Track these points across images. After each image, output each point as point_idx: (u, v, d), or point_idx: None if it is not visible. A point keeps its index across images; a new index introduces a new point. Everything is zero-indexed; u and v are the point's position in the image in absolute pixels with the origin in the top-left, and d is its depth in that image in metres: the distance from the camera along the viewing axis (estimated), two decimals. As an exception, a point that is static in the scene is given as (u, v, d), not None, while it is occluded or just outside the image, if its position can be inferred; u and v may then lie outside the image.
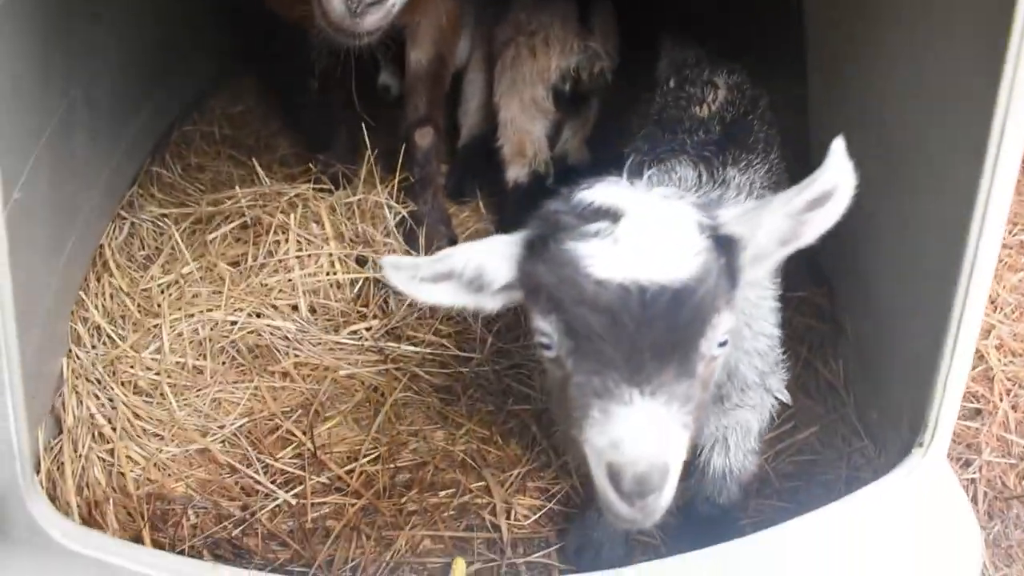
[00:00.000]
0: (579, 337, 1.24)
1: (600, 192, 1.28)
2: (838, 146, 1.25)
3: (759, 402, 1.82)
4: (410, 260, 1.35)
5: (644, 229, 1.22)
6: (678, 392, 1.22)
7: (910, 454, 1.81)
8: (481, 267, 1.37)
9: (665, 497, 1.22)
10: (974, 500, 2.33)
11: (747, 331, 1.70)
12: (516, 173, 3.08)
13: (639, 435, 1.18)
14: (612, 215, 1.24)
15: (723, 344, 1.30)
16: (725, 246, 1.28)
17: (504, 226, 3.05)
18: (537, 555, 2.06)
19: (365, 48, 1.95)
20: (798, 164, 2.81)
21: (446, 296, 1.38)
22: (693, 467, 1.96)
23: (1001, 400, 2.59)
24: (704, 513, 2.05)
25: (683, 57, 2.48)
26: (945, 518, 1.83)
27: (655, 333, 1.20)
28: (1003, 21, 1.38)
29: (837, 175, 1.28)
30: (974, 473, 2.42)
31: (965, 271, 1.60)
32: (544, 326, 1.29)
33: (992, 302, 2.98)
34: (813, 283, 2.63)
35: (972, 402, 2.60)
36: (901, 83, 1.95)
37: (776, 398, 1.87)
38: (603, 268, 1.20)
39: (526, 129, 3.08)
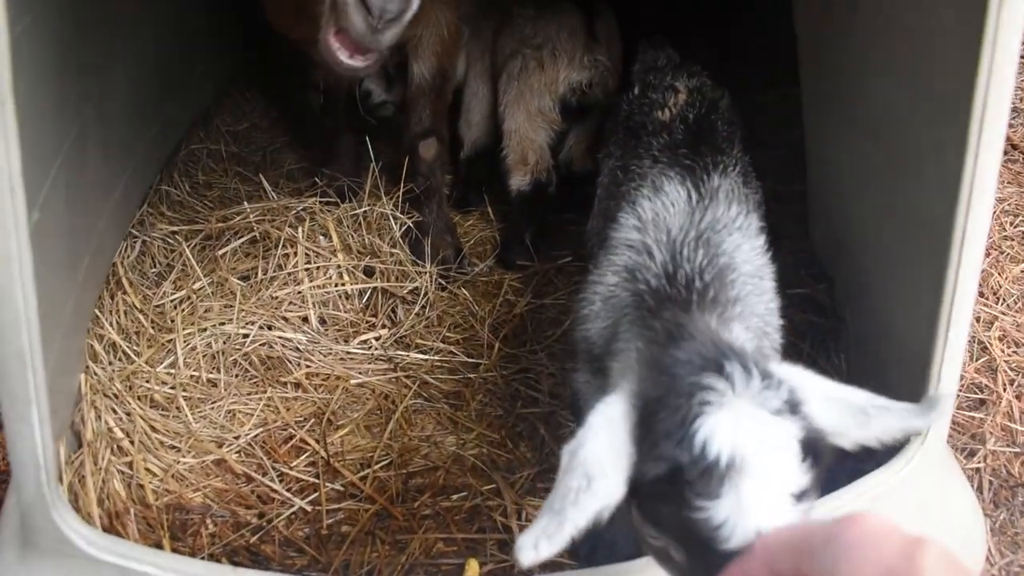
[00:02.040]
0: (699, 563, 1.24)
1: (714, 430, 1.20)
2: (943, 402, 1.25)
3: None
4: (546, 547, 1.22)
5: (767, 483, 1.18)
6: None
7: (909, 443, 1.85)
8: (599, 515, 1.26)
9: None
10: (979, 489, 2.36)
11: (766, 337, 1.74)
12: (519, 182, 3.13)
13: None
14: (731, 467, 1.18)
15: None
16: (819, 454, 1.24)
17: (507, 234, 3.11)
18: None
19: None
20: (794, 161, 2.88)
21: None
22: None
23: (1004, 390, 2.63)
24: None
25: (654, 60, 2.54)
26: (946, 507, 1.86)
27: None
28: (978, 14, 1.43)
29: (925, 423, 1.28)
30: (979, 463, 2.45)
31: (954, 260, 1.64)
32: (659, 538, 1.27)
33: (995, 293, 3.01)
34: (815, 280, 2.67)
35: (976, 393, 2.64)
36: (888, 77, 1.99)
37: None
38: (734, 536, 1.16)
39: (530, 138, 3.13)
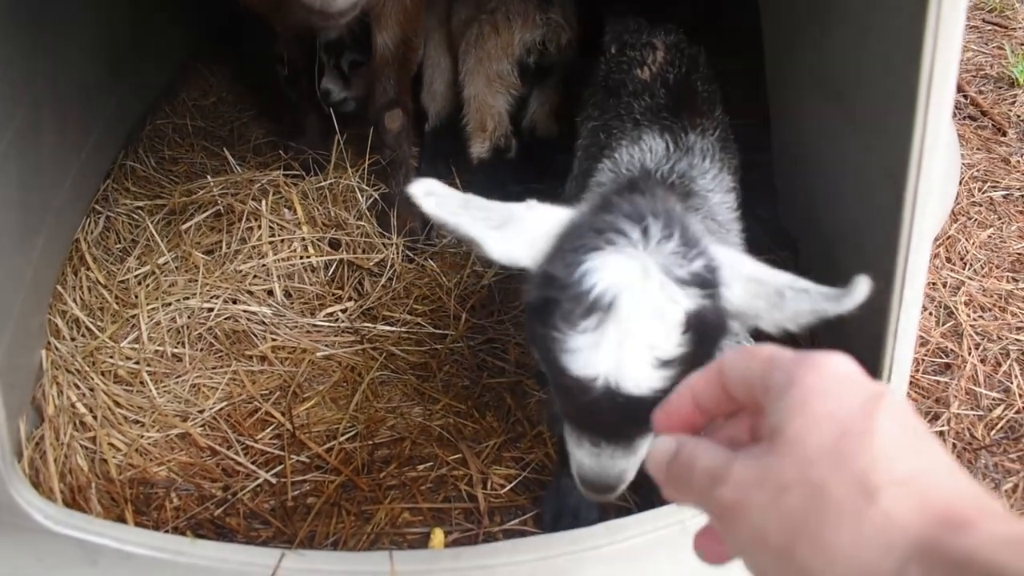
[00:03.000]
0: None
1: (602, 269, 1.24)
2: (862, 284, 1.22)
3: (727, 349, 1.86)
4: (439, 211, 1.34)
5: (632, 330, 1.22)
6: (642, 432, 1.33)
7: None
8: (482, 246, 1.36)
9: (621, 490, 1.38)
10: (943, 452, 2.38)
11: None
12: (478, 149, 3.11)
13: (601, 472, 1.34)
14: (605, 309, 1.22)
15: None
16: (709, 335, 1.27)
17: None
18: (513, 523, 2.10)
19: (335, 33, 1.94)
20: (761, 131, 2.87)
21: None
22: None
23: (970, 354, 2.64)
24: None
25: (624, 26, 2.52)
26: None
27: (623, 419, 1.28)
28: None
29: (854, 306, 1.27)
30: (943, 426, 2.47)
31: (907, 214, 1.63)
32: (536, 357, 1.35)
33: (962, 259, 3.03)
34: (780, 246, 2.67)
35: (941, 357, 2.65)
36: (845, 39, 1.99)
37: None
38: (585, 367, 1.23)
39: (489, 104, 3.10)
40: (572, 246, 1.30)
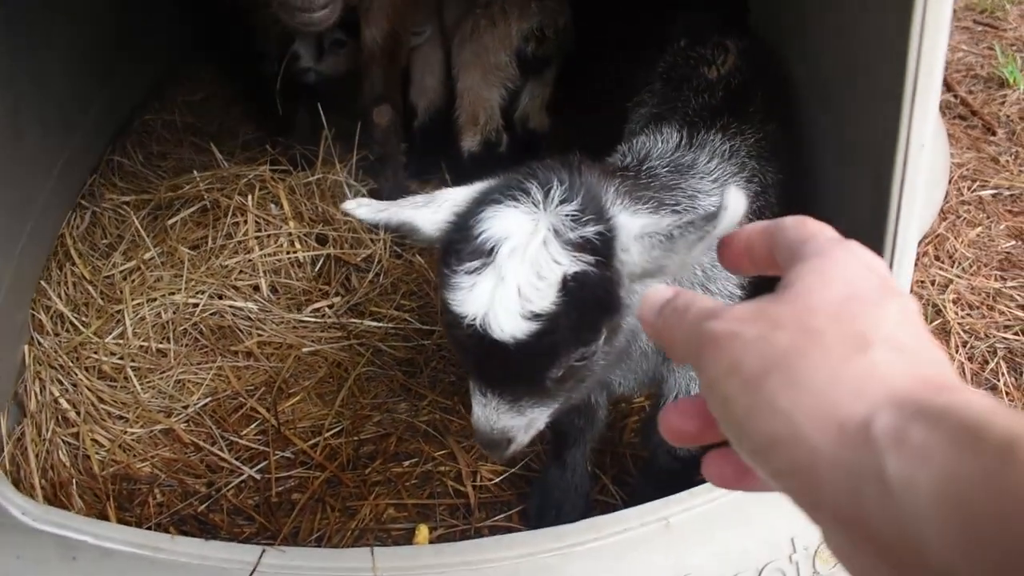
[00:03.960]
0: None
1: (495, 220, 1.32)
2: (731, 198, 1.25)
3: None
4: (365, 213, 1.45)
5: (504, 282, 1.28)
6: (528, 393, 1.40)
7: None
8: (414, 229, 1.45)
9: (515, 449, 1.46)
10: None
11: (706, 293, 1.73)
12: (469, 143, 3.10)
13: (485, 423, 1.40)
14: (488, 254, 1.30)
15: (592, 353, 1.39)
16: (602, 285, 1.32)
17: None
18: (498, 518, 2.10)
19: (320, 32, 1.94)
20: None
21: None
22: (655, 421, 1.98)
23: (957, 352, 2.64)
24: (664, 466, 2.08)
25: (696, 21, 2.48)
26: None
27: (501, 368, 1.35)
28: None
29: (730, 225, 1.30)
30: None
31: (892, 211, 1.63)
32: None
33: (950, 257, 3.03)
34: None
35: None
36: (829, 39, 1.98)
37: None
38: (461, 304, 1.30)
39: (483, 96, 3.09)
40: (481, 199, 1.38)
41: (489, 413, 1.39)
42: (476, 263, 1.29)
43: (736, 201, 1.19)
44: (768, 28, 2.43)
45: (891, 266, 1.68)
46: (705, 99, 2.06)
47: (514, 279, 1.27)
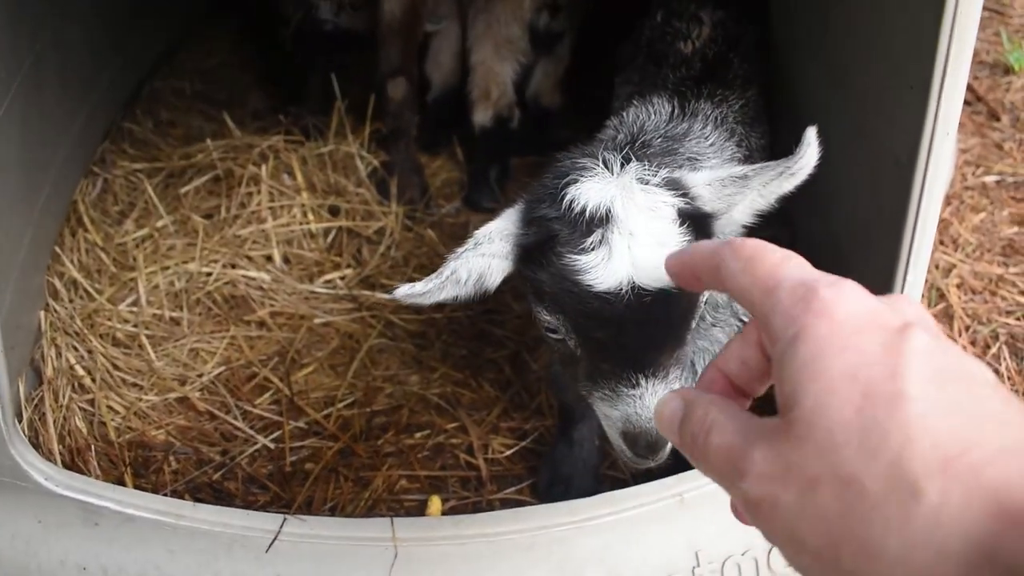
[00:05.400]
0: (587, 336, 1.36)
1: (586, 193, 1.32)
2: (811, 136, 1.29)
3: (726, 323, 1.88)
4: (420, 287, 1.42)
5: (634, 234, 1.28)
6: (676, 364, 1.37)
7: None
8: (481, 275, 1.43)
9: (666, 450, 1.40)
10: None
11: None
12: (481, 117, 3.10)
13: (647, 417, 1.32)
14: (601, 222, 1.30)
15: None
16: (702, 226, 1.35)
17: (472, 173, 3.08)
18: (509, 491, 2.13)
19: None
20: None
21: (453, 294, 1.45)
22: None
23: (960, 336, 2.68)
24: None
25: None
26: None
27: (655, 331, 1.31)
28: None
29: (810, 162, 1.34)
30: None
31: (914, 202, 1.65)
32: (551, 320, 1.39)
33: (954, 242, 3.05)
34: (779, 223, 2.68)
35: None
36: (855, 24, 1.99)
37: (742, 321, 1.92)
38: (603, 281, 1.28)
39: (495, 71, 3.09)
40: (543, 194, 1.39)
41: (648, 402, 1.32)
42: (594, 236, 1.29)
43: (814, 141, 1.26)
44: (784, 14, 2.43)
45: (909, 252, 1.71)
46: (684, 72, 2.09)
47: (644, 229, 1.28)
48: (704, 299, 1.41)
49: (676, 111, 1.86)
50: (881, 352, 0.58)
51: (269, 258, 2.61)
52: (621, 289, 1.27)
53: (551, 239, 1.34)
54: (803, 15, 2.34)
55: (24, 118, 2.03)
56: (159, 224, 2.67)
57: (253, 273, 2.56)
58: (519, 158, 3.14)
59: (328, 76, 3.07)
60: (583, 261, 1.29)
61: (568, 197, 1.33)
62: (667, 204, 1.32)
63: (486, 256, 1.41)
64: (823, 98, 2.18)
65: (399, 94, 2.85)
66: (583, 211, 1.31)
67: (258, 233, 2.63)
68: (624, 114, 1.87)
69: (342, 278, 2.61)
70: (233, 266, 2.57)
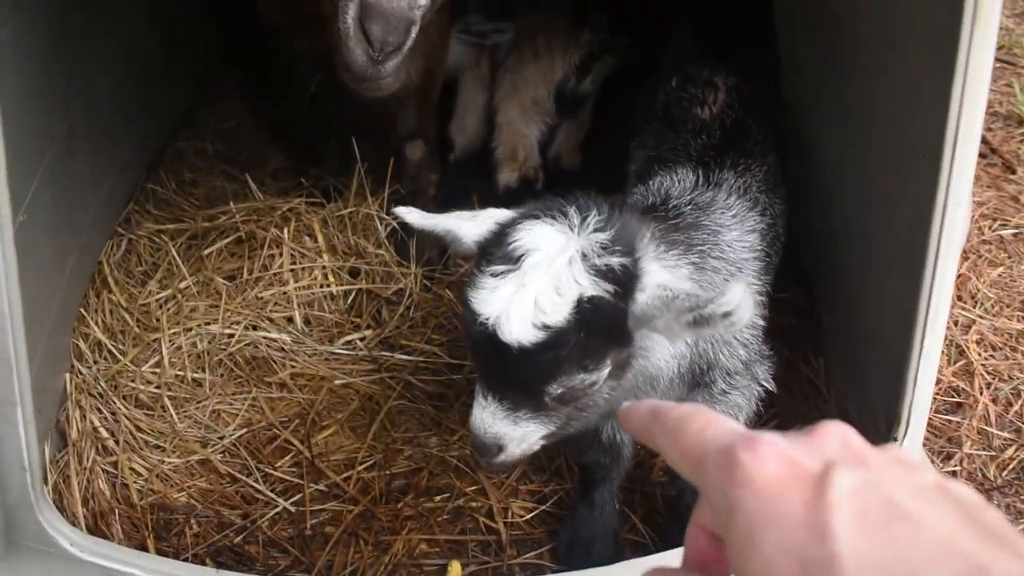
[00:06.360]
0: (466, 334, 1.56)
1: (530, 231, 1.43)
2: (738, 293, 1.33)
3: (746, 388, 1.89)
4: (416, 218, 1.61)
5: (526, 286, 1.38)
6: (526, 404, 1.49)
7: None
8: (455, 240, 1.58)
9: (505, 459, 1.55)
10: (955, 492, 2.39)
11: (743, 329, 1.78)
12: (507, 178, 3.14)
13: (480, 425, 1.50)
14: (515, 261, 1.41)
15: (593, 383, 1.46)
16: (606, 317, 1.40)
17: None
18: (529, 555, 2.12)
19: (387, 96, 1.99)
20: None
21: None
22: None
23: (981, 393, 2.66)
24: (692, 506, 2.10)
25: (686, 50, 2.52)
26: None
27: (502, 369, 1.45)
28: (953, 30, 1.46)
29: (742, 318, 1.37)
30: (955, 466, 2.48)
31: (929, 266, 1.66)
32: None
33: (972, 297, 3.05)
34: (795, 284, 2.70)
35: (952, 396, 2.67)
36: (867, 79, 2.02)
37: (762, 386, 1.93)
38: (479, 304, 1.41)
39: (522, 132, 3.13)
40: (521, 215, 1.51)
41: (486, 416, 1.49)
42: (502, 268, 1.41)
43: (736, 297, 1.31)
44: (796, 75, 2.47)
45: (926, 318, 1.72)
46: (705, 140, 2.12)
47: (533, 288, 1.37)
48: (601, 377, 1.46)
49: (700, 180, 1.89)
50: (805, 514, 0.56)
51: (290, 319, 2.64)
52: (488, 321, 1.38)
53: (489, 251, 1.46)
54: (813, 75, 2.38)
55: (56, 187, 2.08)
56: (182, 285, 2.72)
57: (274, 334, 2.59)
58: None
59: (346, 137, 3.13)
60: (480, 280, 1.42)
61: (519, 226, 1.44)
62: (577, 287, 1.37)
63: (469, 233, 1.54)
64: (842, 154, 2.21)
65: (417, 156, 2.90)
66: (513, 243, 1.42)
67: (280, 295, 2.67)
68: (651, 181, 1.91)
69: (362, 339, 2.63)
70: (255, 327, 2.61)
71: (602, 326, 1.39)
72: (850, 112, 2.12)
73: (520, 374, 1.43)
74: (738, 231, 1.86)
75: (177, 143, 3.47)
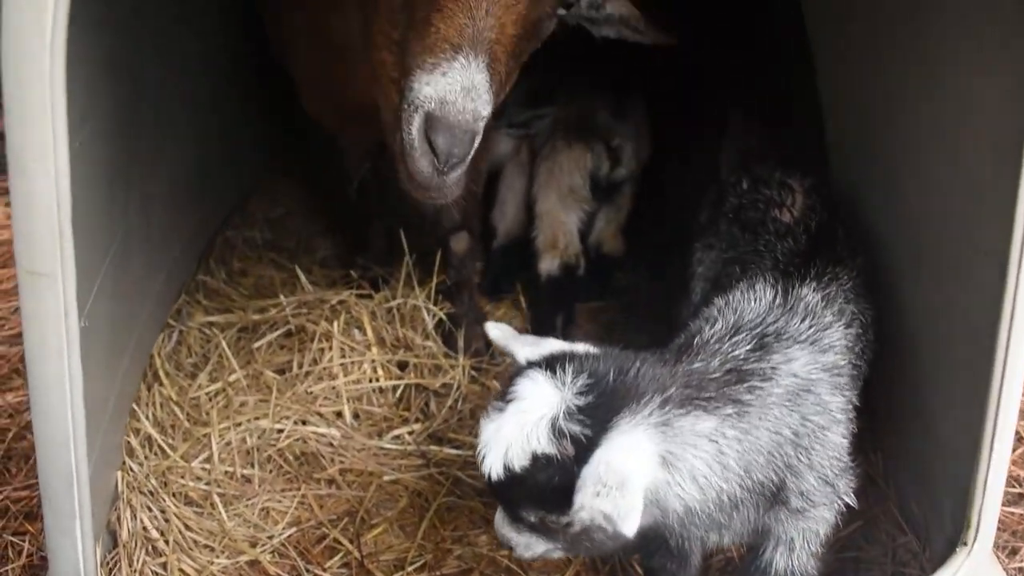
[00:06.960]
0: None
1: (525, 382, 1.60)
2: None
3: (827, 504, 1.84)
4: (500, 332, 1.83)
5: (502, 431, 1.57)
6: (519, 520, 1.68)
7: (955, 554, 1.82)
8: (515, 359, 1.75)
9: (521, 555, 1.77)
10: (1024, 592, 2.30)
11: (815, 448, 1.77)
12: (548, 265, 3.16)
13: (496, 523, 1.76)
14: (502, 409, 1.60)
15: (568, 523, 1.59)
16: (559, 478, 1.54)
17: (536, 321, 3.11)
18: (584, 661, 2.06)
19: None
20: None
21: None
22: (754, 567, 1.95)
23: (1047, 487, 2.57)
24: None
25: (747, 145, 2.52)
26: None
27: (498, 491, 1.65)
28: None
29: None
30: (1021, 562, 2.39)
31: (998, 368, 1.63)
32: None
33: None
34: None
35: (1015, 487, 2.58)
36: (925, 172, 2.00)
37: (842, 499, 1.88)
38: (480, 429, 1.63)
39: (561, 220, 3.17)
40: (543, 360, 1.66)
41: (498, 518, 1.74)
42: (500, 406, 1.60)
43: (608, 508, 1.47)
44: (855, 179, 2.45)
45: (995, 421, 1.67)
46: (790, 244, 2.09)
47: (506, 437, 1.56)
48: (578, 520, 1.55)
49: (778, 299, 1.88)
50: None
51: (339, 414, 2.64)
52: (478, 448, 1.61)
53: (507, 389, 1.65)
54: (870, 169, 2.36)
55: (115, 287, 2.12)
56: (232, 378, 2.73)
57: (323, 429, 2.59)
58: (581, 303, 3.18)
59: (393, 228, 3.16)
60: (489, 407, 1.63)
61: (523, 373, 1.63)
62: (536, 444, 1.54)
63: (521, 359, 1.72)
64: (901, 257, 2.16)
65: (462, 248, 2.92)
66: (512, 387, 1.61)
67: (329, 389, 2.68)
68: (730, 297, 1.90)
69: (410, 433, 2.62)
70: (304, 422, 2.61)
71: (546, 483, 1.54)
72: (910, 215, 2.09)
73: (498, 496, 1.67)
74: (810, 356, 1.81)
75: (226, 232, 3.53)
